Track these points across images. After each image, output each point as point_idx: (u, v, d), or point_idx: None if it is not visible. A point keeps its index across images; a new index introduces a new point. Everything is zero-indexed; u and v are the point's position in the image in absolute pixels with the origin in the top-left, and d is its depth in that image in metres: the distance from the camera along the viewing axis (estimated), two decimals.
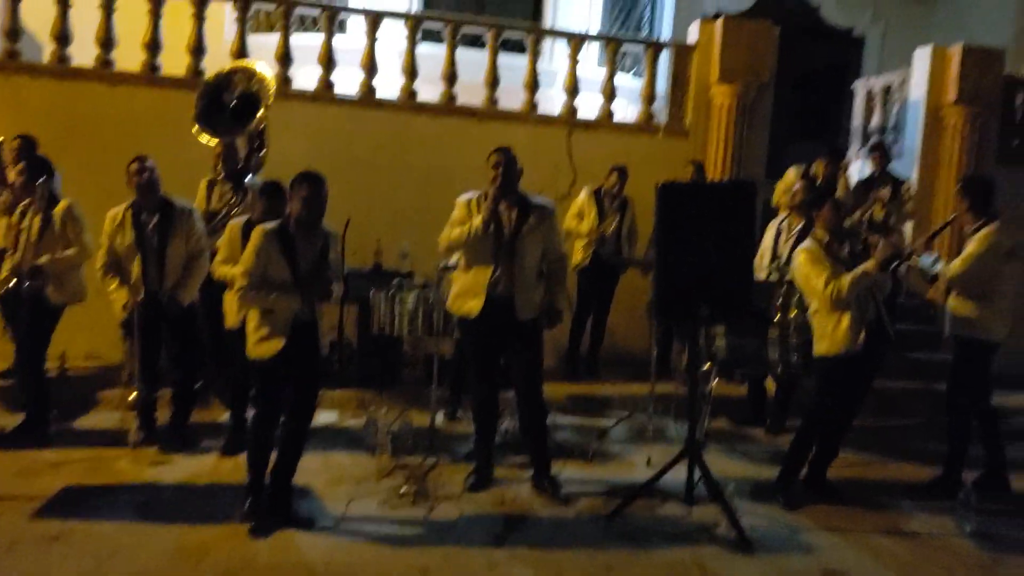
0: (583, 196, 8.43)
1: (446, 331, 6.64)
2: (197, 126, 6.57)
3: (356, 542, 4.75)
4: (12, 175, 6.93)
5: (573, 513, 5.31)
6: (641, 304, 9.16)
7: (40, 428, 6.11)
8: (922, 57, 9.72)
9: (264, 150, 6.67)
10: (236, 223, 5.91)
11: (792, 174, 8.39)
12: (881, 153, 8.68)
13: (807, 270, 5.46)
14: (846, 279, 5.32)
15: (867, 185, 8.52)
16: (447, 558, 4.64)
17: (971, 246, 5.85)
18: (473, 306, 5.51)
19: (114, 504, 5.06)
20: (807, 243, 5.60)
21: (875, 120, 10.66)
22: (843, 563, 4.86)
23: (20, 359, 6.13)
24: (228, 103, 6.80)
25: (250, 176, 6.85)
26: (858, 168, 10.51)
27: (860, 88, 11.29)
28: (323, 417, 7.18)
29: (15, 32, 8.14)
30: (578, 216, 8.33)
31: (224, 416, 6.53)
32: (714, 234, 4.94)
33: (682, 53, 9.33)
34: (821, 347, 5.56)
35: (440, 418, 6.80)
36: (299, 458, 5.09)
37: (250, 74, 6.95)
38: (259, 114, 6.47)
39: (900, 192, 8.20)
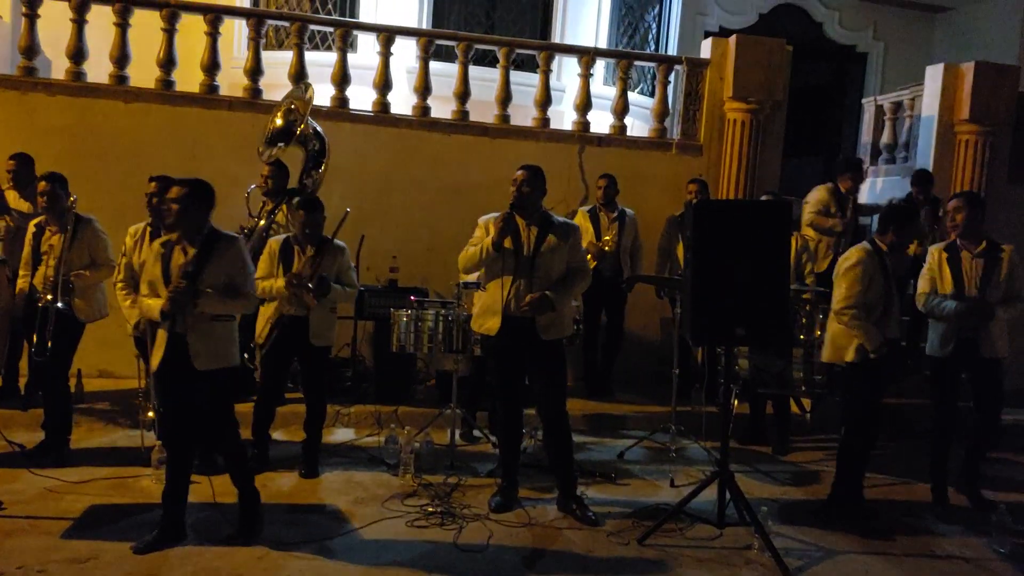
0: (579, 215, 8.36)
1: (464, 349, 6.65)
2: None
3: (390, 566, 4.69)
4: (12, 196, 6.97)
5: (602, 536, 5.25)
6: (654, 322, 9.21)
7: (60, 447, 6.08)
8: (934, 74, 9.73)
9: (323, 169, 6.85)
10: (276, 240, 6.09)
11: (820, 194, 8.49)
12: (923, 184, 8.67)
13: (845, 273, 5.51)
14: (860, 327, 5.44)
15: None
16: None
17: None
18: (492, 325, 5.48)
19: (141, 524, 4.98)
20: (861, 245, 5.63)
21: (885, 137, 10.67)
22: None
23: (42, 377, 6.09)
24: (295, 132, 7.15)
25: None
26: (868, 185, 10.54)
27: (869, 105, 11.32)
28: (341, 434, 7.19)
29: (32, 49, 8.11)
30: None
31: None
32: (749, 254, 4.91)
33: (695, 69, 9.33)
34: (841, 355, 5.60)
35: (456, 437, 6.77)
36: (245, 485, 4.97)
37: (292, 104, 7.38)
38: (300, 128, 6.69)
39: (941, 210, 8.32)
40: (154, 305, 4.69)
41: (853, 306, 5.46)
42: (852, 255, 5.58)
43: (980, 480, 6.20)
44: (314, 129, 7.59)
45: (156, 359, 4.77)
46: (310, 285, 5.76)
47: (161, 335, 4.76)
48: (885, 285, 5.52)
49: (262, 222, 7.04)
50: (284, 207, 7.09)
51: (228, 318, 4.84)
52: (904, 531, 5.63)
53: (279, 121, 7.40)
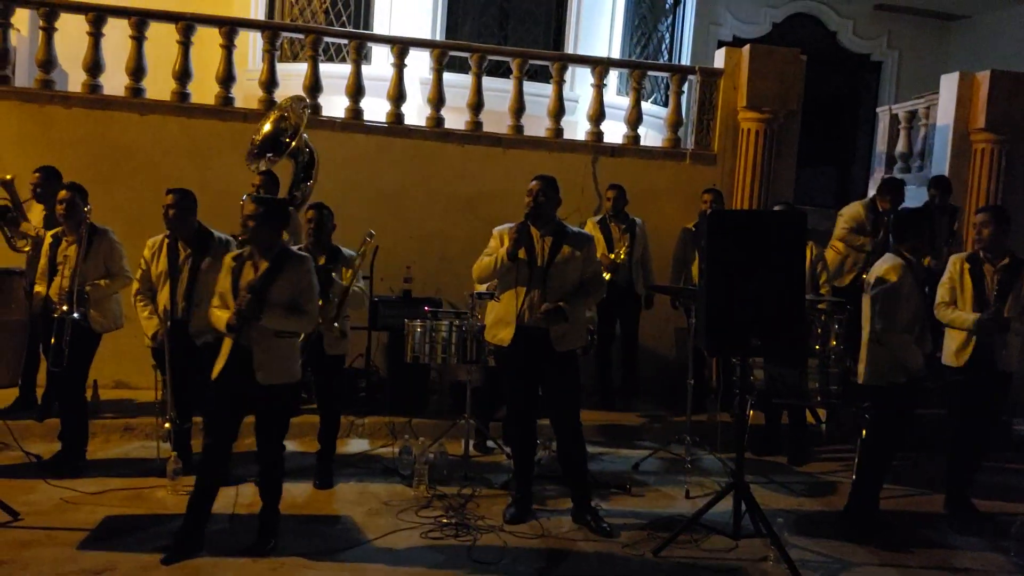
0: (589, 225, 8.33)
1: (478, 360, 6.65)
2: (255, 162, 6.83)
3: None
4: (35, 210, 7.00)
5: (617, 548, 5.24)
6: (668, 333, 9.18)
7: (76, 457, 6.10)
8: (949, 83, 9.69)
9: (312, 181, 6.81)
10: None
11: (855, 209, 8.45)
12: (942, 188, 8.66)
13: (886, 293, 5.43)
14: (897, 343, 5.38)
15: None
16: None
17: None
18: (506, 335, 5.48)
19: (157, 535, 4.99)
20: (894, 260, 5.53)
21: (900, 146, 10.64)
22: None
23: (59, 387, 6.11)
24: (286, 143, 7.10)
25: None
26: None
27: (883, 114, 11.29)
28: (355, 445, 7.19)
29: (49, 62, 8.18)
30: None
31: None
32: (764, 264, 4.89)
33: (709, 79, 9.32)
34: (884, 377, 5.54)
35: (470, 448, 6.77)
36: (273, 498, 5.01)
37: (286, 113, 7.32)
38: (292, 143, 6.61)
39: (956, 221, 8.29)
40: (222, 317, 4.79)
41: (896, 327, 5.39)
42: (890, 273, 5.45)
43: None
44: (305, 142, 7.58)
45: (218, 368, 4.85)
46: (336, 323, 5.88)
47: (226, 345, 4.86)
48: (919, 298, 5.48)
49: None
50: None
51: (291, 335, 4.93)
52: (921, 543, 5.59)
53: (268, 127, 7.37)
